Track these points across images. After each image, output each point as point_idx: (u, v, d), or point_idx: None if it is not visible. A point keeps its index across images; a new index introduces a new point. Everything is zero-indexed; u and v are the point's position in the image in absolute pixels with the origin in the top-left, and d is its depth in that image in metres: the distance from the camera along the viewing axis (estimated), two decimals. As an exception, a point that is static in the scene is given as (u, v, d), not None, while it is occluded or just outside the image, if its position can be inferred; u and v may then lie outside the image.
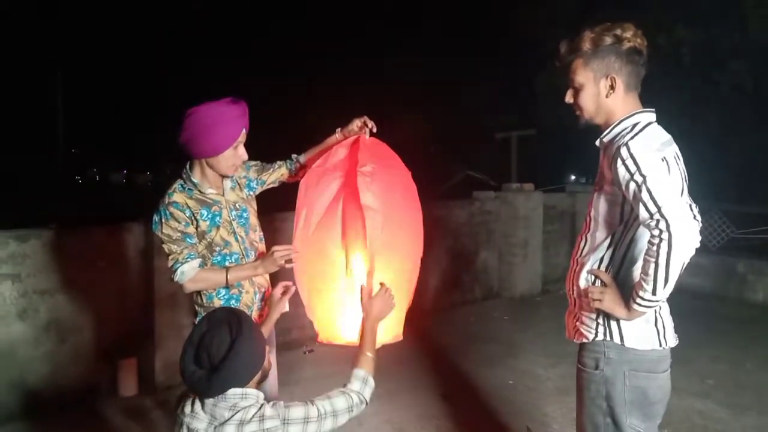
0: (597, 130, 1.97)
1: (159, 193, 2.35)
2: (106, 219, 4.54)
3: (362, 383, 1.84)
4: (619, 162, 1.74)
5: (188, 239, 2.24)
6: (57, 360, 3.84)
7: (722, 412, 3.97)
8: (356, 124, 2.53)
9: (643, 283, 1.73)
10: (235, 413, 1.61)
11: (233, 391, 1.62)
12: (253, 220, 2.47)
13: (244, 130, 2.27)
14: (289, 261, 2.28)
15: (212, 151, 2.22)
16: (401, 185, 2.49)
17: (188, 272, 2.21)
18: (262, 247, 2.49)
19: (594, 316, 1.93)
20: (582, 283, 1.96)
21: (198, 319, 2.36)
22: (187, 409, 1.68)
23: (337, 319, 2.41)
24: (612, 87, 1.87)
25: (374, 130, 2.53)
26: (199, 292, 2.32)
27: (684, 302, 6.76)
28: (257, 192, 2.56)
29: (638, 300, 1.77)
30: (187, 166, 2.32)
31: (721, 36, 9.98)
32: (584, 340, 1.97)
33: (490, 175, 10.21)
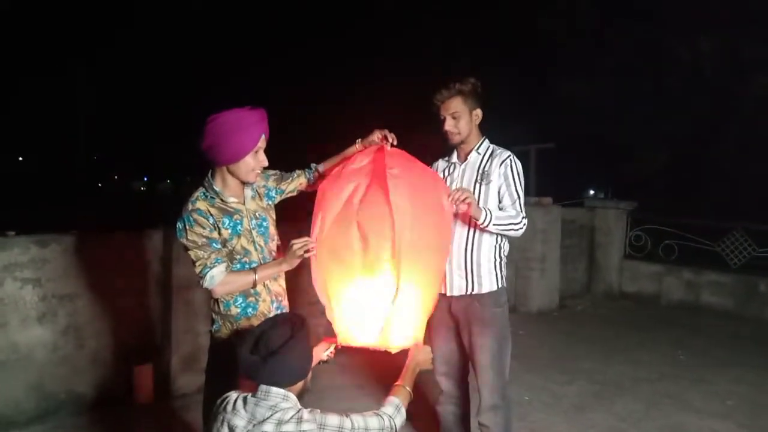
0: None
1: (179, 200, 2.36)
2: (126, 225, 4.58)
3: (395, 410, 1.92)
4: (510, 165, 2.77)
5: (214, 244, 2.25)
6: (74, 364, 3.87)
7: (742, 434, 3.90)
8: (377, 135, 2.56)
9: (498, 213, 2.67)
10: (275, 413, 1.68)
11: (276, 391, 1.72)
12: (272, 229, 2.48)
13: (263, 136, 2.29)
14: (308, 252, 2.28)
15: (233, 157, 2.24)
16: (429, 191, 2.49)
17: (217, 276, 2.22)
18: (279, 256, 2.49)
19: (492, 270, 2.81)
20: (484, 254, 2.79)
21: (215, 327, 2.38)
22: (229, 407, 1.76)
23: (354, 321, 2.40)
24: (478, 116, 2.83)
25: (394, 142, 2.55)
26: (216, 300, 2.33)
27: (704, 321, 6.76)
28: (276, 201, 2.57)
29: (490, 215, 2.62)
30: (209, 175, 2.33)
31: (743, 47, 9.88)
32: (489, 290, 2.80)
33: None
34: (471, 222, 2.74)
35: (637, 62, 10.93)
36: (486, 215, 2.60)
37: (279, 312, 2.46)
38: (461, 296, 2.82)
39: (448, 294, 2.83)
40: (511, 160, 2.79)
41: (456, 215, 2.63)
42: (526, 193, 2.91)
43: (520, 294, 7.14)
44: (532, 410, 4.15)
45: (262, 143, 2.30)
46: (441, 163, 3.03)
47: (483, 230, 2.71)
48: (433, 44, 17.36)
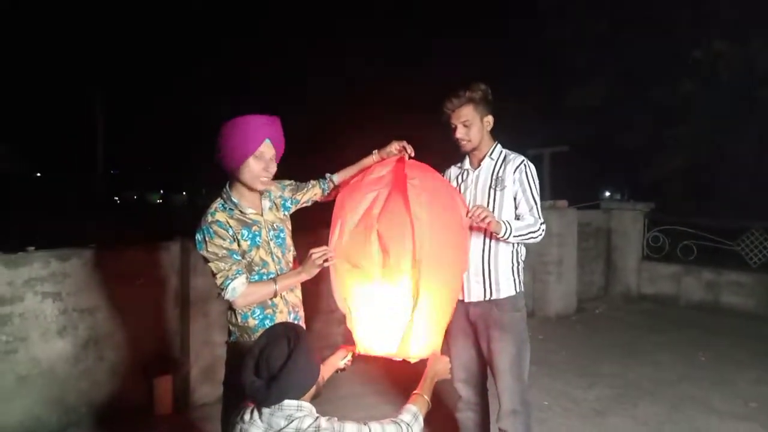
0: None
1: (195, 212, 2.38)
2: (144, 238, 4.62)
3: (413, 417, 1.93)
4: (525, 170, 2.76)
5: (234, 255, 2.24)
6: (94, 377, 3.90)
7: (767, 436, 3.84)
8: (395, 146, 2.60)
9: (517, 225, 2.68)
10: (291, 422, 1.69)
11: (289, 403, 1.71)
12: (288, 240, 2.48)
13: (267, 140, 2.28)
14: (327, 261, 2.29)
15: (234, 160, 2.24)
16: (448, 202, 2.51)
17: (239, 288, 2.21)
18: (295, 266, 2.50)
19: (510, 275, 2.80)
20: (502, 260, 2.77)
21: (232, 338, 2.38)
22: (246, 417, 1.76)
23: (373, 330, 2.40)
24: (490, 122, 2.82)
25: (412, 154, 2.57)
26: (234, 312, 2.33)
27: (725, 322, 6.69)
28: (291, 211, 2.58)
29: (509, 229, 2.64)
30: (227, 186, 2.34)
31: (760, 50, 9.77)
32: (508, 295, 2.79)
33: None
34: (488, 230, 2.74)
35: (651, 65, 10.86)
36: (506, 229, 2.62)
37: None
38: (479, 302, 2.81)
39: (466, 300, 2.82)
40: (525, 165, 2.79)
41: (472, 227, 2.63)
42: (542, 197, 2.91)
43: (538, 298, 7.10)
44: (552, 415, 4.12)
45: (265, 148, 2.27)
46: (453, 170, 3.01)
47: (487, 240, 2.75)
48: (443, 50, 17.38)
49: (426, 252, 2.27)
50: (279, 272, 2.37)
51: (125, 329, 4.02)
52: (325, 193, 2.69)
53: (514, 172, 2.76)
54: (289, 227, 2.52)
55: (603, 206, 8.58)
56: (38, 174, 33.03)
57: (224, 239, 2.23)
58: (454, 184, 2.94)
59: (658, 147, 11.71)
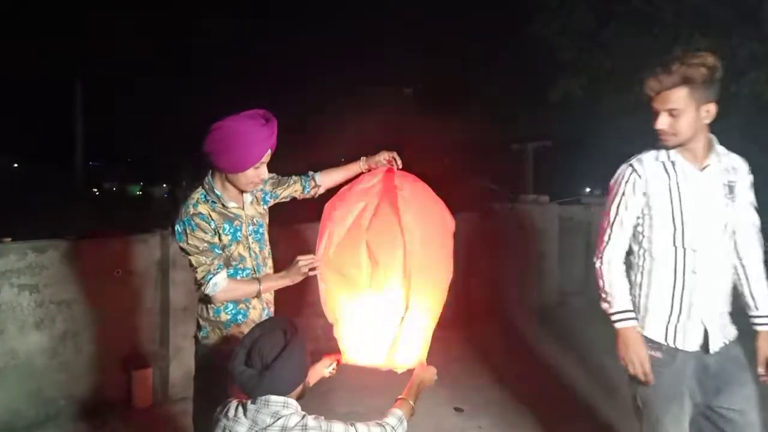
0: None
1: (175, 205, 2.34)
2: (123, 230, 4.56)
3: (398, 421, 1.92)
4: (751, 178, 2.25)
5: (216, 250, 2.19)
6: (73, 370, 3.86)
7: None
8: (384, 156, 2.57)
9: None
10: (278, 419, 1.66)
11: (275, 399, 1.68)
12: (266, 235, 2.46)
13: (269, 151, 2.23)
14: (313, 269, 2.27)
15: (233, 169, 2.18)
16: (437, 214, 2.51)
17: (221, 283, 2.17)
18: (270, 262, 2.47)
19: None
20: (731, 288, 2.30)
21: (202, 333, 2.34)
22: (231, 413, 1.73)
23: (360, 340, 2.39)
24: (710, 113, 2.08)
25: (400, 166, 2.55)
26: (205, 306, 2.29)
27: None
28: (269, 205, 2.54)
29: None
30: (209, 177, 2.27)
31: (739, 45, 9.87)
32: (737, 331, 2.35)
33: (506, 186, 10.19)
34: (728, 261, 2.27)
35: (633, 61, 10.93)
36: None
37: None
38: (722, 348, 2.29)
39: (712, 351, 2.25)
40: (749, 172, 2.26)
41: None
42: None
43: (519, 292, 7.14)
44: (536, 409, 4.14)
45: (266, 158, 2.23)
46: (651, 163, 2.23)
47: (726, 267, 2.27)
48: (429, 46, 17.39)
49: (416, 264, 2.27)
50: (255, 267, 2.34)
51: (104, 322, 3.98)
52: (306, 191, 2.65)
53: (745, 180, 2.24)
54: (267, 222, 2.49)
55: (584, 201, 8.65)
56: (15, 165, 32.58)
57: (206, 232, 2.18)
58: (655, 180, 2.20)
59: (639, 141, 11.78)
